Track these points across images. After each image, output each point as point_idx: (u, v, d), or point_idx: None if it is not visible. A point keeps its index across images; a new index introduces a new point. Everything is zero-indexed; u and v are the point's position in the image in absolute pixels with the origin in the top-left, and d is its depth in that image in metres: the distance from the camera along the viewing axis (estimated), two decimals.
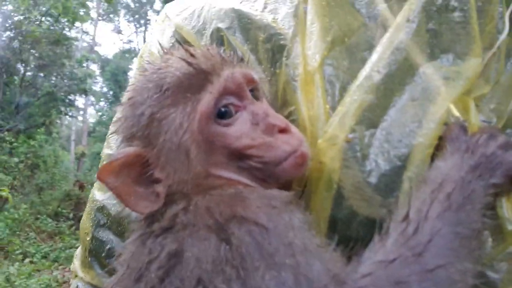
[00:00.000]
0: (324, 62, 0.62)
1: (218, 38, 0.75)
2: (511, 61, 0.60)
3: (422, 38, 0.57)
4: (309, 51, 0.64)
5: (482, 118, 0.57)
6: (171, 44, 0.86)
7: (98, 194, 0.92)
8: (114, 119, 0.65)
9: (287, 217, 0.47)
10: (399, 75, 0.55)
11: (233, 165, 0.55)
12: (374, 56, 0.57)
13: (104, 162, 0.53)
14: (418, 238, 0.45)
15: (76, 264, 0.94)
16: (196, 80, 0.53)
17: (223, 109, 0.54)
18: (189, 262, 0.45)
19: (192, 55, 0.55)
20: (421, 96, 0.53)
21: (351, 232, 0.52)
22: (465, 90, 0.55)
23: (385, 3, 0.67)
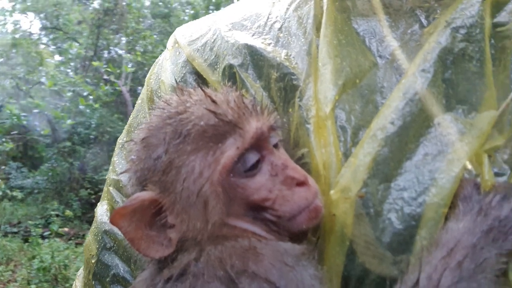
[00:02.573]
0: (336, 106, 0.60)
1: (231, 74, 0.73)
2: None
3: (438, 89, 0.54)
4: (321, 95, 0.61)
5: (496, 170, 0.55)
6: (182, 75, 0.84)
7: (106, 217, 0.90)
8: (127, 155, 0.63)
9: (299, 275, 0.45)
10: (414, 127, 0.53)
11: (249, 216, 0.52)
12: (388, 106, 0.55)
13: (118, 206, 0.50)
14: None
15: (78, 285, 0.92)
16: (219, 130, 0.51)
17: (248, 164, 0.52)
18: None
19: (214, 101, 0.53)
20: (436, 151, 0.51)
21: None
22: (480, 144, 0.52)
23: (396, 42, 0.64)
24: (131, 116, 1.01)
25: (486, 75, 0.54)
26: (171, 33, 1.00)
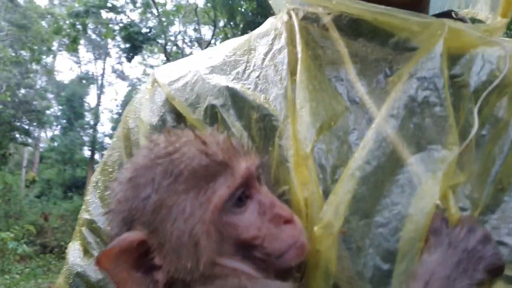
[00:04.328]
0: (314, 146, 0.62)
1: (212, 114, 0.75)
2: (480, 152, 0.63)
3: (406, 132, 0.59)
4: (300, 136, 0.64)
5: (460, 205, 0.59)
6: (161, 113, 0.84)
7: (79, 259, 0.85)
8: (108, 194, 0.61)
9: None
10: (388, 167, 0.56)
11: (239, 254, 0.52)
12: (363, 148, 0.58)
13: (102, 249, 0.48)
14: None
15: None
16: (210, 170, 0.51)
17: (237, 201, 0.53)
18: None
19: (204, 142, 0.53)
20: (409, 189, 0.54)
21: None
22: (446, 181, 0.56)
23: (364, 88, 0.69)
24: (105, 154, 0.99)
25: (449, 119, 0.60)
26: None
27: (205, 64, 0.87)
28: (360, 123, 0.65)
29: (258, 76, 0.77)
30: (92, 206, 0.89)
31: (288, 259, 0.52)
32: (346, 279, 0.51)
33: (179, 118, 0.81)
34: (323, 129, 0.63)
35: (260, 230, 0.52)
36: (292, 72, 0.75)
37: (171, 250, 0.49)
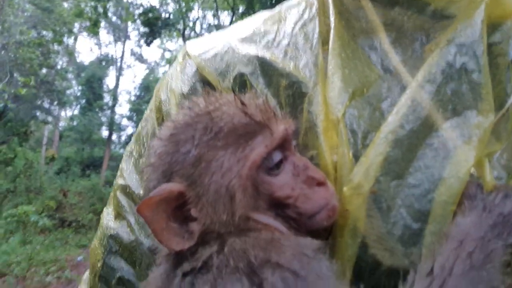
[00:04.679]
0: (346, 112, 0.62)
1: (241, 82, 0.75)
2: None
3: (443, 97, 0.57)
4: (332, 101, 0.63)
5: (495, 174, 0.57)
6: (192, 83, 0.86)
7: (112, 222, 0.89)
8: (149, 152, 0.62)
9: (318, 266, 0.46)
10: (422, 131, 0.55)
11: (272, 212, 0.53)
12: (397, 112, 0.57)
13: (143, 198, 0.50)
14: None
15: None
16: (249, 129, 0.52)
17: (273, 162, 0.54)
18: None
19: (243, 103, 0.55)
20: (443, 153, 0.53)
21: (376, 282, 0.50)
22: (481, 148, 0.55)
23: (398, 57, 0.68)
24: (139, 125, 1.02)
25: (486, 86, 0.58)
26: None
27: (236, 36, 0.87)
28: (393, 91, 0.64)
29: (288, 44, 0.77)
30: (127, 173, 0.92)
31: (319, 220, 0.53)
32: (374, 237, 0.51)
33: (209, 87, 0.83)
34: (356, 95, 0.63)
35: (294, 190, 0.53)
36: (324, 42, 0.75)
37: (207, 203, 0.50)
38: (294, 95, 0.70)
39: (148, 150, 0.62)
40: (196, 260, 0.48)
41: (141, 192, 0.83)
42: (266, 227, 0.52)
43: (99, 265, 0.85)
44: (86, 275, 0.91)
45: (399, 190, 0.52)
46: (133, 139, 1.00)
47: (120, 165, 0.97)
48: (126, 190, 0.90)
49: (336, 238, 0.54)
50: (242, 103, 0.54)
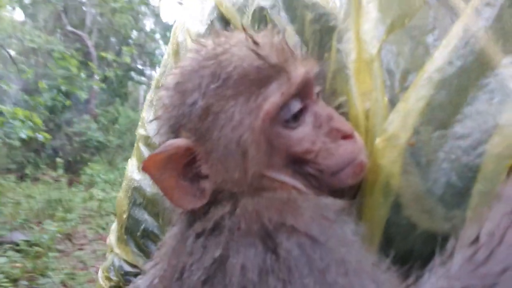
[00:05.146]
0: (382, 48, 0.52)
1: (261, 17, 0.66)
2: None
3: (504, 26, 0.46)
4: (366, 35, 0.53)
5: None
6: (209, 22, 0.77)
7: (135, 173, 0.87)
8: (155, 102, 0.57)
9: (340, 230, 0.40)
10: (476, 69, 0.45)
11: (289, 169, 0.47)
12: (446, 46, 0.47)
13: (149, 154, 0.46)
14: (490, 266, 0.37)
15: (112, 239, 0.91)
16: (262, 73, 0.45)
17: (291, 112, 0.46)
18: (233, 270, 0.39)
19: (256, 42, 0.46)
20: (501, 96, 0.43)
21: (408, 248, 0.44)
22: None
23: None
24: (158, 71, 0.97)
25: None
26: None
27: None
28: (441, 20, 0.52)
29: None
30: (148, 122, 0.89)
31: (343, 178, 0.46)
32: (410, 196, 0.44)
33: (228, 25, 0.74)
34: (395, 26, 0.52)
35: (314, 144, 0.46)
36: None
37: (218, 159, 0.45)
38: (321, 31, 0.60)
39: (156, 101, 0.57)
40: (208, 221, 0.44)
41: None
42: (282, 186, 0.46)
43: (124, 216, 0.86)
44: (114, 225, 0.92)
45: (442, 141, 0.44)
46: (152, 86, 0.95)
47: (141, 115, 0.94)
48: (147, 141, 0.87)
49: (365, 196, 0.47)
50: (255, 43, 0.46)
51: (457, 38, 0.47)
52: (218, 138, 0.44)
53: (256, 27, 0.66)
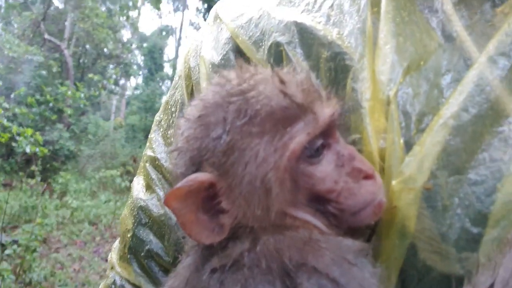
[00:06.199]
0: (399, 90, 0.54)
1: (277, 52, 0.67)
2: None
3: None
4: (382, 76, 0.55)
5: None
6: (225, 52, 0.79)
7: (142, 193, 0.87)
8: (176, 132, 0.57)
9: (360, 273, 0.41)
10: (490, 116, 0.46)
11: (311, 207, 0.47)
12: (461, 92, 0.49)
13: (172, 188, 0.46)
14: None
15: (113, 257, 0.90)
16: (289, 113, 0.45)
17: (313, 148, 0.47)
18: None
19: (283, 81, 0.47)
20: None
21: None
22: None
23: (463, 22, 0.57)
24: (168, 93, 0.98)
25: None
26: None
27: None
28: (456, 63, 0.54)
29: (331, 6, 0.67)
30: (155, 144, 0.89)
31: (363, 217, 0.47)
32: (425, 239, 0.45)
33: (243, 57, 0.76)
34: (411, 69, 0.54)
35: (337, 184, 0.47)
36: (373, 3, 0.64)
37: (240, 195, 0.45)
38: (336, 69, 0.62)
39: (175, 129, 0.57)
40: (227, 257, 0.44)
41: (170, 166, 0.80)
42: (304, 225, 0.46)
43: (128, 235, 0.85)
44: (117, 243, 0.92)
45: (458, 187, 0.45)
46: (161, 108, 0.96)
47: (149, 136, 0.94)
48: (155, 162, 0.87)
49: (382, 238, 0.48)
50: (282, 81, 0.47)
51: (472, 85, 0.48)
52: (242, 174, 0.45)
53: (273, 61, 0.67)
